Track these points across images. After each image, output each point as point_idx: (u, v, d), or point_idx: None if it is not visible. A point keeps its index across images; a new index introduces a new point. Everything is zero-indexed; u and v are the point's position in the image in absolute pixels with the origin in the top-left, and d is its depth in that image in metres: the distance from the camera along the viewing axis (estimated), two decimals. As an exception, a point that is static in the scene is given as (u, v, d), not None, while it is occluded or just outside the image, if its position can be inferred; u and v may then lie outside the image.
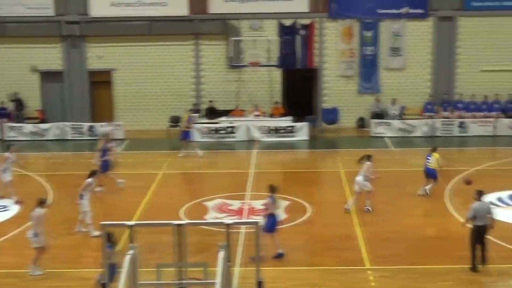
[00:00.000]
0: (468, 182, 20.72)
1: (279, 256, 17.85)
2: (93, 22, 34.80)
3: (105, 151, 24.61)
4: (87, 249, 18.95)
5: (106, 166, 24.37)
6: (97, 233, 19.44)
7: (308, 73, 36.10)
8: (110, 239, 14.69)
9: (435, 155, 22.98)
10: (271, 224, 17.86)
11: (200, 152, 29.55)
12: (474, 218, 16.69)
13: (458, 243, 18.67)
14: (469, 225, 17.14)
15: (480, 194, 16.93)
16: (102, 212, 21.58)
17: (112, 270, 13.03)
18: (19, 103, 34.68)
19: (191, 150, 29.79)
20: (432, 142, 32.03)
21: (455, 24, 34.58)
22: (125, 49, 35.17)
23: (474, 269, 16.73)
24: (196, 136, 32.58)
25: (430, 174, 23.00)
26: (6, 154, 23.85)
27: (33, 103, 35.31)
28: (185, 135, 29.91)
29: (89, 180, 20.10)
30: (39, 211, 17.55)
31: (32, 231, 17.43)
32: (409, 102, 34.97)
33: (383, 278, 16.47)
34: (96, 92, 35.80)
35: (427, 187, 22.99)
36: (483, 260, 16.89)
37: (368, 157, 21.96)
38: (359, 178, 21.73)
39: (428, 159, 23.03)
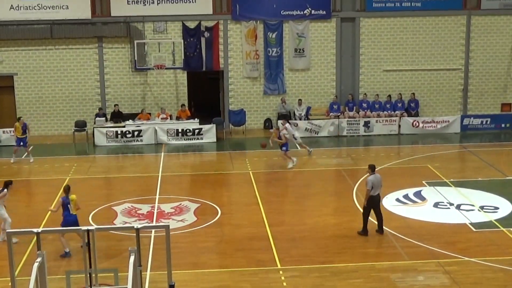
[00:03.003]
0: (263, 146, 28.34)
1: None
2: (-7, 25, 33.94)
3: None
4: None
5: None
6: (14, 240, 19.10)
7: (214, 75, 36.15)
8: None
9: None
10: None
11: (32, 158, 29.52)
12: (371, 189, 19.21)
13: (366, 241, 19.10)
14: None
15: (373, 168, 19.53)
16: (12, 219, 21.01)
17: None
18: None
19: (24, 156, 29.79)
20: (338, 141, 32.73)
21: (357, 25, 35.26)
22: (27, 53, 34.39)
23: (365, 232, 19.37)
24: (102, 141, 32.20)
25: None
26: None
27: None
28: (20, 142, 29.61)
29: (5, 190, 19.71)
30: None
31: None
32: (315, 102, 35.48)
33: (294, 278, 16.62)
34: (-3, 98, 34.94)
35: None
36: (381, 230, 19.52)
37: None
38: None
39: None
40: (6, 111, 34.34)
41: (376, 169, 19.72)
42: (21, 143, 29.54)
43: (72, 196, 18.40)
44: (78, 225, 17.93)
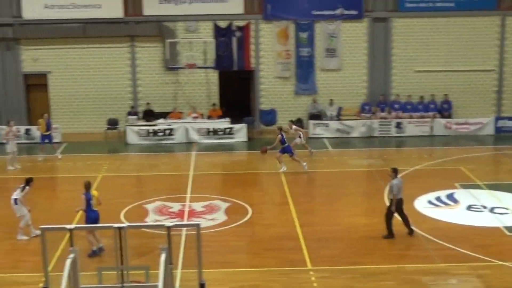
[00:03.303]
0: (263, 151, 27.40)
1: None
2: (27, 24, 34.21)
3: None
4: (26, 254, 18.62)
5: None
6: (38, 232, 19.36)
7: (245, 74, 36.17)
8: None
9: None
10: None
11: (60, 155, 29.90)
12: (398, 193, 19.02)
13: (396, 243, 18.97)
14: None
15: (396, 171, 19.24)
16: (43, 216, 21.22)
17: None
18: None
19: (51, 154, 29.99)
20: (370, 142, 32.57)
21: (389, 25, 35.06)
22: (60, 51, 34.67)
23: (391, 235, 19.15)
24: (134, 139, 32.39)
25: None
26: None
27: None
28: (44, 139, 29.97)
29: (27, 188, 19.92)
30: None
31: None
32: (346, 103, 35.32)
33: (325, 279, 16.56)
34: (32, 95, 35.20)
35: None
36: (411, 230, 19.39)
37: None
38: None
39: None
40: (40, 108, 34.62)
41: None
42: (46, 140, 29.78)
43: (94, 192, 18.51)
44: (99, 221, 18.14)
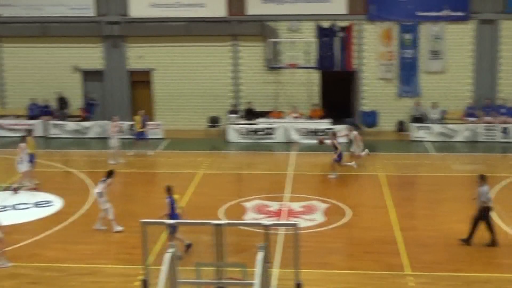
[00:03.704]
0: (321, 142, 27.30)
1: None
2: (133, 22, 35.00)
3: None
4: (127, 247, 18.99)
5: None
6: (119, 228, 20.01)
7: (347, 75, 35.89)
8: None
9: None
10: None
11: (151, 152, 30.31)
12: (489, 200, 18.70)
13: (499, 251, 18.41)
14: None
15: (483, 178, 18.83)
16: (142, 210, 21.64)
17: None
18: (62, 101, 34.99)
19: (143, 149, 30.32)
20: (474, 147, 31.74)
21: (497, 27, 34.10)
22: (164, 49, 35.29)
23: (468, 242, 18.65)
24: (234, 137, 32.63)
25: None
26: (22, 145, 24.31)
27: (75, 102, 35.58)
28: (140, 135, 30.32)
29: (109, 180, 20.35)
30: None
31: None
32: (450, 106, 34.52)
33: (425, 285, 16.22)
34: (136, 92, 35.98)
35: None
36: (495, 242, 18.64)
37: None
38: None
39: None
40: (144, 105, 35.32)
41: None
42: (140, 137, 30.28)
43: (176, 196, 18.47)
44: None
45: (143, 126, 30.41)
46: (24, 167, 24.43)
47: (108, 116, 34.40)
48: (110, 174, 20.59)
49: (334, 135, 27.30)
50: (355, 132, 28.35)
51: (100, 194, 20.20)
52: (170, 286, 11.69)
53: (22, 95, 35.73)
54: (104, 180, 20.39)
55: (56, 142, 32.95)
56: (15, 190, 24.36)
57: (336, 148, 26.49)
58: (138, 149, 30.31)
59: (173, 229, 17.47)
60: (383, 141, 33.12)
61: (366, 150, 27.83)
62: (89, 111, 34.53)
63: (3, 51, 35.77)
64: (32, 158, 25.12)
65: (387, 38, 34.64)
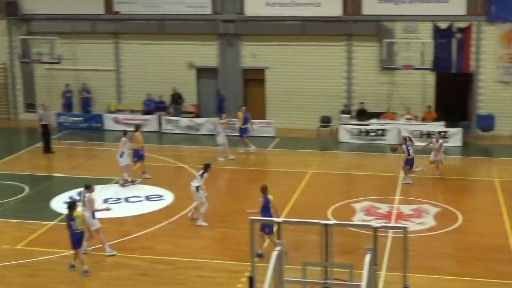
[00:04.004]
0: (393, 149, 26.25)
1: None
2: (248, 21, 35.31)
3: None
4: (235, 243, 19.22)
5: None
6: (204, 224, 20.57)
7: (463, 77, 35.07)
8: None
9: None
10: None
11: (253, 147, 30.26)
12: None
13: None
14: None
15: None
16: (251, 208, 21.87)
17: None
18: (177, 97, 35.73)
19: (247, 146, 30.27)
20: None
21: None
22: (278, 48, 35.44)
23: None
24: (346, 137, 32.46)
25: None
26: (124, 139, 24.88)
27: (189, 98, 36.26)
28: (243, 132, 30.22)
29: (205, 174, 20.65)
30: (89, 195, 18.50)
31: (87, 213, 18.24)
32: None
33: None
34: (249, 90, 36.30)
35: None
36: None
37: None
38: None
39: None
40: (257, 103, 35.67)
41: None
42: (243, 133, 30.36)
43: (271, 197, 18.26)
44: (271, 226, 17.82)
45: (245, 122, 30.56)
46: (123, 161, 25.07)
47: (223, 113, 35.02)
48: (207, 167, 20.90)
49: (406, 139, 26.22)
50: (441, 140, 27.37)
51: (197, 188, 20.56)
52: (277, 284, 11.75)
53: (138, 91, 36.73)
54: (202, 174, 20.73)
55: (169, 138, 33.69)
56: (128, 183, 25.06)
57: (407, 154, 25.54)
58: (242, 146, 30.46)
59: (270, 229, 17.55)
60: (499, 145, 32.20)
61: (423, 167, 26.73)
62: (221, 107, 34.87)
63: (121, 48, 36.80)
64: (139, 153, 25.81)
65: (507, 40, 33.61)
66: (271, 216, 17.96)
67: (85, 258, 17.58)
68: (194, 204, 21.11)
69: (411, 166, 25.61)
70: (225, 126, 29.35)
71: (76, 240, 17.29)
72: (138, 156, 25.92)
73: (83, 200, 18.59)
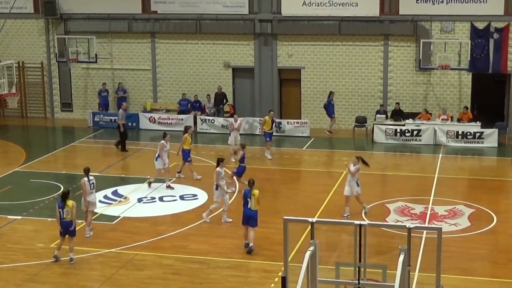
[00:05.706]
0: None
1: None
2: (285, 20, 35.36)
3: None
4: (269, 243, 19.34)
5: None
6: (229, 220, 21.09)
7: (500, 78, 34.80)
8: None
9: None
10: None
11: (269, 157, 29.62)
12: None
13: None
14: None
15: None
16: (287, 208, 22.02)
17: None
18: (223, 97, 35.66)
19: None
20: None
21: None
22: (314, 48, 35.47)
23: None
24: (381, 137, 32.40)
25: None
26: (162, 142, 25.02)
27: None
28: (268, 136, 29.83)
29: (218, 169, 20.82)
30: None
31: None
32: None
33: None
34: (285, 89, 36.37)
35: None
36: None
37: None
38: None
39: None
40: (292, 103, 35.76)
41: None
42: (267, 137, 29.81)
43: (255, 191, 18.73)
44: (254, 221, 18.65)
45: (271, 127, 30.05)
46: (158, 164, 25.05)
47: (257, 113, 35.15)
48: (219, 162, 21.10)
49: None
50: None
51: (217, 187, 20.81)
52: (310, 284, 11.85)
53: (173, 90, 37.02)
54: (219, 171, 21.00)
55: (204, 137, 33.86)
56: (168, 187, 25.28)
57: None
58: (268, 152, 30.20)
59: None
60: (536, 147, 31.96)
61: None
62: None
63: (157, 47, 37.09)
64: (187, 155, 25.99)
65: (545, 40, 33.32)
66: (250, 212, 18.74)
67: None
68: (223, 208, 21.31)
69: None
70: (237, 125, 29.47)
71: (63, 228, 18.06)
72: (186, 156, 26.07)
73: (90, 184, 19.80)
